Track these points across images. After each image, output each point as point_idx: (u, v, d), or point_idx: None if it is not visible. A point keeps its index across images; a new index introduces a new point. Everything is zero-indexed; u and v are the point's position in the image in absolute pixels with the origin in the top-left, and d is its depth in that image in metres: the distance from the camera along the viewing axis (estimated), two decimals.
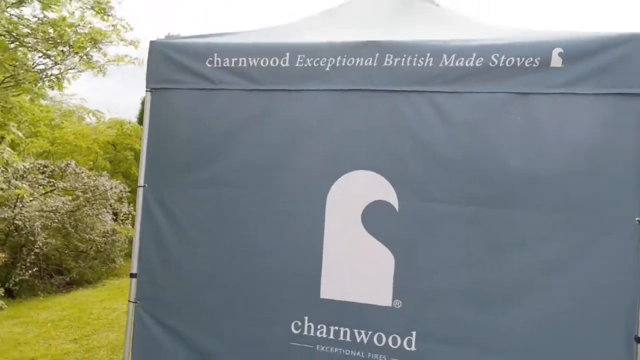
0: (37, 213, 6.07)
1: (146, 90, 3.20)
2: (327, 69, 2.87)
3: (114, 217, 7.77)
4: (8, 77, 4.32)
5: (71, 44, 4.16)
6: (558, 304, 2.54)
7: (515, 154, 2.61)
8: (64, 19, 4.53)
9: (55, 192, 6.68)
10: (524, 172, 2.59)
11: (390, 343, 2.74)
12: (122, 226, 7.73)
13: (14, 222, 5.86)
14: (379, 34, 2.97)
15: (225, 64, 3.03)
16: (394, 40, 2.80)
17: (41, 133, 9.47)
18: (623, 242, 2.47)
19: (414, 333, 2.71)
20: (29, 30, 4.29)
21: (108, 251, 7.12)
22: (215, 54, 3.04)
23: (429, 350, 2.69)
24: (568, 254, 2.54)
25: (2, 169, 5.75)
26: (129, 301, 3.19)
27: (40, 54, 4.40)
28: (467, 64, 2.66)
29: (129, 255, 7.23)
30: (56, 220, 6.27)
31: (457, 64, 2.67)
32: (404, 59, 2.75)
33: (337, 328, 2.83)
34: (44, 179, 6.56)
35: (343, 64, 2.84)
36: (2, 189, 5.60)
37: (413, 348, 2.71)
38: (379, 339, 2.76)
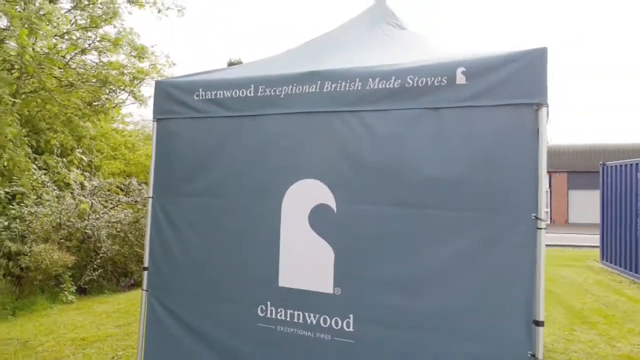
0: (103, 223, 7.35)
1: (152, 121, 4.09)
2: (282, 96, 3.52)
3: None
4: (71, 113, 5.48)
5: (112, 82, 5.26)
6: (467, 291, 2.92)
7: (428, 161, 3.05)
8: (111, 63, 5.68)
9: (119, 206, 7.97)
10: (435, 177, 3.02)
11: (333, 325, 3.27)
12: None
13: (85, 231, 7.17)
14: (328, 63, 3.56)
15: (207, 96, 3.81)
16: (331, 69, 3.39)
17: (119, 156, 11.06)
18: (522, 237, 2.80)
19: (351, 316, 3.23)
20: (87, 76, 5.47)
21: None
22: (200, 89, 3.84)
23: (363, 331, 3.18)
24: (475, 247, 2.92)
25: (75, 187, 7.10)
26: (142, 289, 4.05)
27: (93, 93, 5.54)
28: (388, 86, 3.17)
29: None
30: (119, 230, 7.51)
31: (380, 86, 3.19)
32: (339, 85, 3.33)
33: (292, 311, 3.42)
34: (109, 194, 7.89)
35: (292, 91, 3.48)
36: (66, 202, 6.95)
37: (351, 329, 3.22)
38: (324, 321, 3.30)
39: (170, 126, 4.01)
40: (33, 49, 4.02)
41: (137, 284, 7.91)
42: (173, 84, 4.01)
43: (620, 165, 10.32)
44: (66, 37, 5.31)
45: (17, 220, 7.30)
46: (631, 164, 9.78)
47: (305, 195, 3.42)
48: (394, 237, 3.13)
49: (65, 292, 6.52)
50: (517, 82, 2.86)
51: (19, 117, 5.37)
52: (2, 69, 4.41)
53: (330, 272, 3.30)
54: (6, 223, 7.29)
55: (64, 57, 5.48)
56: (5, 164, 4.76)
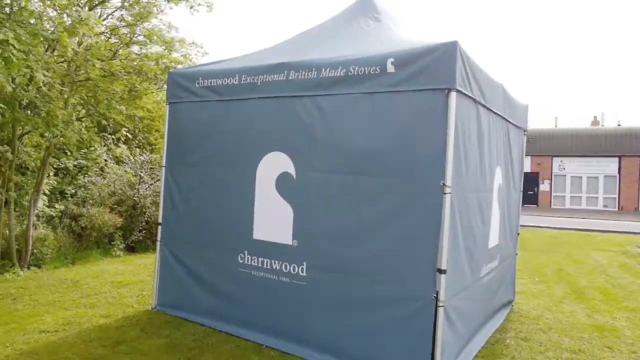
0: (149, 192, 8.62)
1: (166, 104, 5.05)
2: (258, 83, 4.31)
3: None
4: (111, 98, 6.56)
5: (146, 72, 6.30)
6: (389, 243, 3.60)
7: (361, 137, 3.73)
8: (146, 55, 6.75)
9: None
10: (366, 149, 3.70)
11: (291, 270, 4.08)
12: None
13: (133, 198, 8.48)
14: (300, 55, 4.28)
15: (205, 84, 4.69)
16: (295, 61, 4.12)
17: None
18: (433, 200, 3.42)
19: (304, 263, 4.01)
20: (126, 68, 6.56)
21: None
22: (200, 78, 4.72)
23: (313, 275, 3.96)
24: (396, 207, 3.58)
25: (127, 161, 8.42)
26: (157, 240, 5.08)
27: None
28: (336, 74, 3.86)
29: None
30: None
31: (330, 75, 3.88)
32: (300, 74, 4.05)
33: (262, 259, 4.26)
34: (156, 168, 9.15)
35: (266, 79, 4.26)
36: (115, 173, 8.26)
37: (304, 274, 4.01)
38: (285, 267, 4.11)
39: (178, 109, 4.95)
40: (75, 48, 5.11)
41: None
42: (180, 74, 4.94)
43: None
44: (107, 33, 6.46)
45: (82, 189, 8.77)
46: None
47: (273, 165, 4.21)
48: (336, 198, 3.86)
49: (115, 248, 7.86)
50: (432, 71, 3.44)
51: (81, 101, 6.60)
52: (57, 62, 5.58)
53: (290, 228, 4.09)
54: (73, 191, 8.79)
55: (110, 49, 6.63)
56: (63, 141, 5.95)
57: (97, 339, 4.11)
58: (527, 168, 26.48)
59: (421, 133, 3.50)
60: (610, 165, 26.72)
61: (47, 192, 7.97)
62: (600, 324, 5.38)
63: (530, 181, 26.72)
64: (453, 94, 3.37)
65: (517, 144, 5.39)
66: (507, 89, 4.85)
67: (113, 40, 6.75)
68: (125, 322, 4.59)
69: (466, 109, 3.66)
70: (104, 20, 6.57)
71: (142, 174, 8.83)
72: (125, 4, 6.72)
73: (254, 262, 4.32)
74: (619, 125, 29.70)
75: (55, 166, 8.52)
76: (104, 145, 9.54)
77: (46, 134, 5.80)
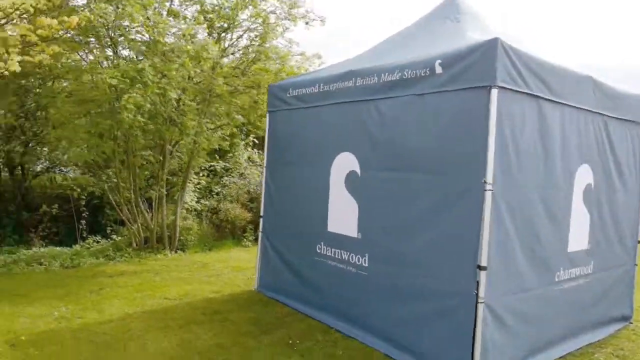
0: None
1: (267, 112, 5.86)
2: (333, 90, 4.81)
3: None
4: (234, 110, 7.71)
5: (263, 85, 7.26)
6: (435, 238, 3.76)
7: (413, 135, 3.95)
8: (266, 69, 7.76)
9: None
10: (416, 148, 3.91)
11: (356, 261, 4.47)
12: None
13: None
14: (377, 61, 4.64)
15: (294, 93, 5.36)
16: (361, 68, 4.51)
17: None
18: (475, 197, 3.49)
19: (367, 255, 4.37)
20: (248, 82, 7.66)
21: None
22: (290, 88, 5.41)
23: (373, 266, 4.30)
24: (441, 203, 3.73)
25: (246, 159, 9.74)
26: (260, 231, 5.92)
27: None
28: (392, 78, 4.15)
29: None
30: None
31: (388, 79, 4.19)
32: (364, 80, 4.44)
33: (335, 250, 4.73)
34: None
35: (339, 86, 4.73)
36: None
37: (366, 265, 4.37)
38: (352, 258, 4.52)
39: (275, 117, 5.72)
40: (196, 70, 6.29)
41: None
42: (276, 86, 5.71)
43: None
44: (237, 54, 7.65)
45: (226, 187, 10.35)
46: None
47: (343, 164, 4.65)
48: (391, 195, 4.14)
49: (245, 239, 9.11)
50: (475, 69, 3.52)
51: (216, 113, 7.93)
52: (189, 83, 6.89)
53: (355, 222, 4.49)
54: (219, 189, 10.41)
55: (238, 67, 7.82)
56: (198, 147, 7.28)
57: (201, 307, 5.08)
58: None
59: (464, 131, 3.59)
60: None
61: (197, 189, 9.64)
62: None
63: None
64: (494, 91, 3.39)
65: (625, 139, 4.84)
66: (604, 81, 4.47)
67: (238, 59, 7.97)
68: (229, 298, 5.51)
69: (518, 104, 3.60)
70: (232, 43, 7.76)
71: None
72: (252, 26, 7.83)
73: (328, 252, 4.81)
74: None
75: (207, 168, 10.23)
76: (246, 150, 11.05)
77: (182, 141, 7.17)
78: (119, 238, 8.71)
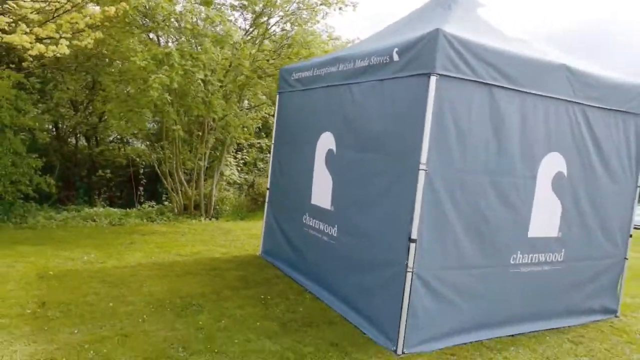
0: None
1: (277, 94, 6.44)
2: (322, 74, 5.26)
3: None
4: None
5: None
6: (383, 214, 4.15)
7: (373, 118, 4.32)
8: (295, 52, 8.31)
9: None
10: (375, 130, 4.28)
11: (329, 231, 4.97)
12: None
13: None
14: (360, 47, 5.04)
15: (295, 77, 5.88)
16: (343, 55, 4.92)
17: None
18: (413, 178, 3.82)
19: (336, 226, 4.84)
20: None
21: None
22: (294, 72, 5.94)
23: (340, 236, 4.77)
24: (389, 184, 4.10)
25: None
26: (266, 201, 6.57)
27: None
28: (362, 64, 4.53)
29: None
30: None
31: (359, 65, 4.58)
32: (344, 65, 4.85)
33: (315, 220, 5.26)
34: None
35: (328, 71, 5.17)
36: None
37: (335, 235, 4.85)
38: (325, 228, 5.02)
39: (283, 98, 6.30)
40: (220, 55, 7.01)
41: None
42: (284, 70, 6.26)
43: None
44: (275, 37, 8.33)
45: (266, 163, 11.15)
46: None
47: (325, 143, 5.13)
48: (355, 172, 4.57)
49: None
50: (420, 57, 3.82)
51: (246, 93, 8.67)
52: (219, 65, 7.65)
53: (329, 195, 4.97)
54: (262, 165, 11.26)
55: (273, 51, 8.47)
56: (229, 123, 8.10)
57: (204, 264, 5.87)
58: None
59: (411, 115, 3.90)
60: None
61: (240, 164, 10.53)
62: None
63: None
64: (433, 78, 3.68)
65: (612, 129, 4.78)
66: (587, 70, 4.49)
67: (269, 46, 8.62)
68: (232, 259, 6.26)
69: (464, 92, 3.84)
70: (269, 28, 8.40)
71: None
72: (290, 11, 8.41)
73: (311, 222, 5.34)
74: None
75: (254, 145, 11.11)
76: None
77: (214, 118, 7.98)
78: (166, 204, 9.84)
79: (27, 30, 5.73)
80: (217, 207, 9.26)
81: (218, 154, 9.65)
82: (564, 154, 4.53)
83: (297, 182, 5.70)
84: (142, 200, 11.03)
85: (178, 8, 6.65)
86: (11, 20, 5.85)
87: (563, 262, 4.70)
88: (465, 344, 4.11)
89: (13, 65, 8.32)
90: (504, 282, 4.35)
